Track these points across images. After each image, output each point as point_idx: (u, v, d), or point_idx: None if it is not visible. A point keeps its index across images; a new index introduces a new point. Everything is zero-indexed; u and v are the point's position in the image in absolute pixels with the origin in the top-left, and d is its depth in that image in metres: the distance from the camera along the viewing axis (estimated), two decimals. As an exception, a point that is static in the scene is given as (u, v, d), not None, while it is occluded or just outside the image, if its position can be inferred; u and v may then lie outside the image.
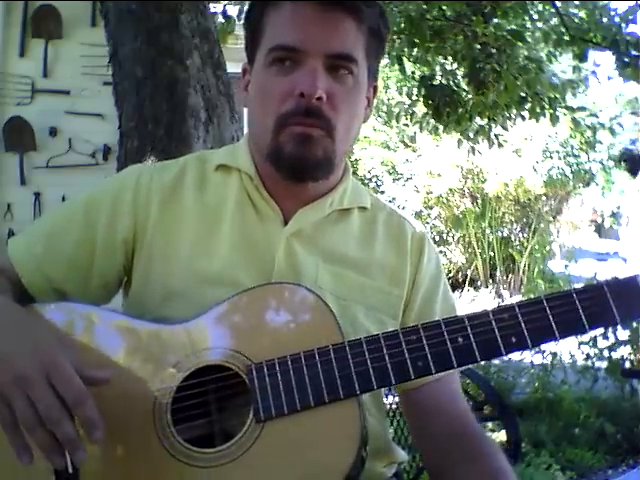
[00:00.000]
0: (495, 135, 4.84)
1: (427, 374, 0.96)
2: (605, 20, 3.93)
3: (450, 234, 8.80)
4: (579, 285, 1.07)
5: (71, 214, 1.15)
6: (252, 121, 1.13)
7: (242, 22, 1.16)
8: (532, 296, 1.06)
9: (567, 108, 4.72)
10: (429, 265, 1.20)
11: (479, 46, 4.19)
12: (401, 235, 1.19)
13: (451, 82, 4.67)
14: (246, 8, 1.15)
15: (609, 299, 0.96)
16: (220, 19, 3.90)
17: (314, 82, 1.02)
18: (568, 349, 4.64)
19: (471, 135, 4.82)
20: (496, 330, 0.96)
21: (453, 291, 1.25)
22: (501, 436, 2.86)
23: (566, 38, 3.94)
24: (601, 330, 4.14)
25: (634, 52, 3.67)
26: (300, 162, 1.05)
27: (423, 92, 4.58)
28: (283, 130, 1.04)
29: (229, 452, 0.94)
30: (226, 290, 1.02)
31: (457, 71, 4.70)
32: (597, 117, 5.41)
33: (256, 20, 1.09)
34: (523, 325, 0.96)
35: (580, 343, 4.49)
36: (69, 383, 0.85)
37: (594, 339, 4.41)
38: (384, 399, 1.25)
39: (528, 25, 4.44)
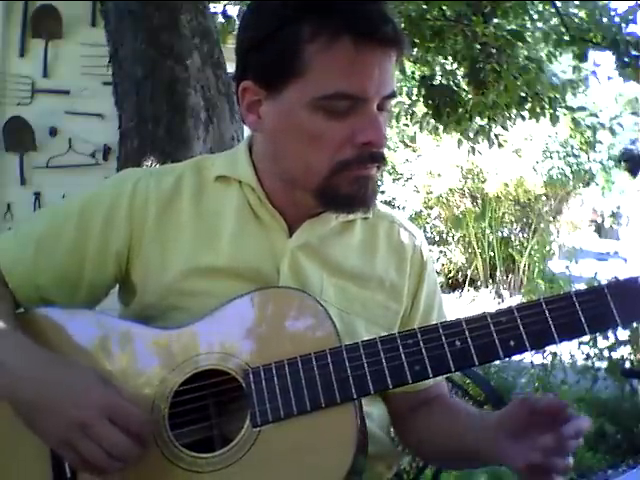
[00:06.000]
0: (495, 135, 4.83)
1: (424, 378, 0.96)
2: (605, 20, 3.92)
3: (450, 234, 8.78)
4: (579, 285, 1.06)
5: (64, 221, 1.12)
6: (283, 157, 1.06)
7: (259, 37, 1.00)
8: (532, 296, 1.05)
9: (567, 108, 4.72)
10: (429, 282, 1.20)
11: (479, 46, 4.18)
12: (402, 249, 1.18)
13: (451, 82, 4.67)
14: (271, 25, 1.00)
15: (610, 302, 0.93)
16: (220, 19, 3.90)
17: (381, 132, 1.00)
18: (568, 349, 4.63)
19: (471, 135, 4.82)
20: (494, 333, 0.94)
21: (453, 291, 1.25)
22: (501, 436, 2.85)
23: (566, 38, 3.94)
24: (601, 330, 4.12)
25: (634, 52, 3.66)
26: (359, 201, 1.04)
27: (423, 92, 4.57)
28: (340, 174, 1.02)
29: (226, 457, 0.94)
30: None
31: (457, 71, 4.70)
32: (597, 117, 5.40)
33: (291, 53, 0.98)
34: (522, 328, 0.94)
35: (580, 343, 4.48)
36: (132, 419, 0.90)
37: (594, 339, 4.40)
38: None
39: (528, 25, 4.43)
